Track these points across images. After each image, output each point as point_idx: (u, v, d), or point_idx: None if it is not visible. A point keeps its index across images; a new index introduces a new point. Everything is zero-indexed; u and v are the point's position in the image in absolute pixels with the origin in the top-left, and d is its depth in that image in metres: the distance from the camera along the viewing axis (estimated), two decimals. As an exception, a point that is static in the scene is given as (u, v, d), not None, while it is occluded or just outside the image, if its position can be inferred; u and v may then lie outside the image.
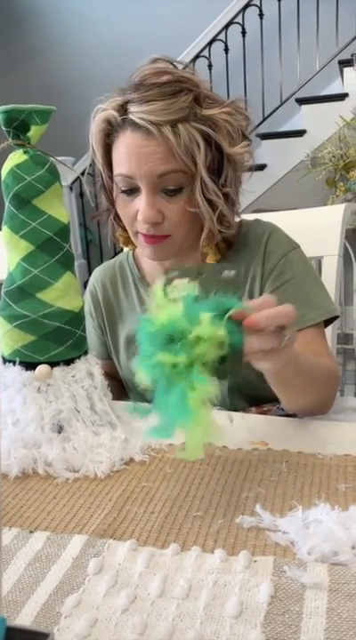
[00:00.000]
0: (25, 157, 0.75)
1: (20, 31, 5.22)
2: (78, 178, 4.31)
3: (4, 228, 0.77)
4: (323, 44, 4.01)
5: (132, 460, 0.73)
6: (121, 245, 1.07)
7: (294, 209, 1.44)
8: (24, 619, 0.48)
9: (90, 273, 5.02)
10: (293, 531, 0.57)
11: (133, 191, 0.91)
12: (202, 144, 0.87)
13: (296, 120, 4.11)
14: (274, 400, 0.92)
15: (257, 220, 1.04)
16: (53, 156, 0.78)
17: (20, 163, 0.75)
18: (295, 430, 0.83)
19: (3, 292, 0.78)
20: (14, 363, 0.76)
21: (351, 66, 3.79)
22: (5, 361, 0.77)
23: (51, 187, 0.76)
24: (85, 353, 0.80)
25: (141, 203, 0.90)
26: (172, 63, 0.93)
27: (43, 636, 0.32)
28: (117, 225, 1.02)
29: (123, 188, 0.92)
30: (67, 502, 0.66)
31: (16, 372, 0.75)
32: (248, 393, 1.01)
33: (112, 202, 0.97)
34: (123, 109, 0.89)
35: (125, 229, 1.00)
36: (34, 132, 0.76)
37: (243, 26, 4.09)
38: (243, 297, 0.99)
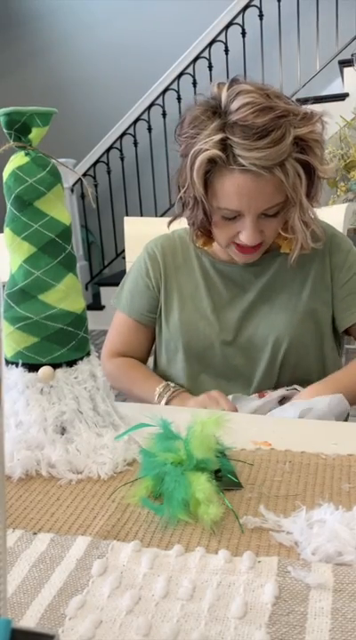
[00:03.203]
0: (26, 159, 0.75)
1: (20, 33, 5.23)
2: (79, 179, 4.33)
3: (6, 230, 0.77)
4: (323, 45, 4.02)
5: (135, 460, 0.73)
6: (199, 245, 1.12)
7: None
8: (28, 620, 0.48)
9: (91, 274, 4.99)
10: (297, 531, 0.57)
11: (234, 217, 0.99)
12: (303, 174, 0.95)
13: (297, 120, 4.11)
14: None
15: (316, 218, 1.12)
16: (55, 158, 0.78)
17: (22, 165, 0.75)
18: (299, 430, 0.83)
19: (5, 293, 0.78)
20: (17, 364, 0.76)
21: (351, 66, 3.79)
22: (8, 363, 0.77)
23: (52, 188, 0.76)
24: (88, 354, 0.80)
25: (245, 229, 0.99)
26: (266, 93, 0.93)
27: (47, 637, 0.32)
28: (199, 231, 1.07)
29: (226, 217, 0.99)
30: (70, 504, 0.66)
31: (19, 373, 0.75)
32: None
33: (210, 222, 1.03)
34: (224, 147, 0.93)
35: (204, 234, 1.08)
36: (35, 134, 0.76)
37: (243, 27, 4.10)
38: (306, 284, 1.09)
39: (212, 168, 0.96)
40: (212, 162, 0.95)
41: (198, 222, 1.03)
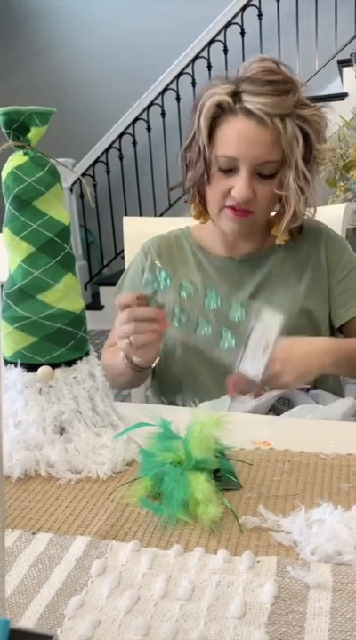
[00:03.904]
0: (25, 159, 0.75)
1: (20, 33, 5.23)
2: (78, 179, 4.32)
3: (5, 229, 0.77)
4: (322, 44, 4.02)
5: (134, 460, 0.73)
6: (193, 217, 1.14)
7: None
8: (27, 620, 0.48)
9: (91, 274, 4.99)
10: (296, 531, 0.57)
11: (230, 170, 1.01)
12: (301, 138, 1.00)
13: (296, 120, 4.10)
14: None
15: (309, 217, 1.14)
16: (54, 158, 0.78)
17: (21, 164, 0.75)
18: (298, 430, 0.83)
19: (4, 293, 0.78)
20: (16, 364, 0.76)
21: (350, 65, 3.79)
22: (7, 363, 0.77)
23: (51, 188, 0.76)
24: (87, 354, 0.80)
25: (238, 182, 1.00)
26: (277, 64, 1.02)
27: (46, 637, 0.32)
28: (196, 197, 1.10)
29: (223, 167, 1.01)
30: (69, 504, 0.65)
31: (18, 373, 0.75)
32: None
33: (208, 175, 1.04)
34: (235, 96, 0.99)
35: (201, 203, 1.10)
36: (34, 133, 0.76)
37: (242, 26, 4.10)
38: (302, 280, 1.11)
39: (219, 114, 1.00)
40: (220, 107, 1.00)
41: (197, 178, 1.05)
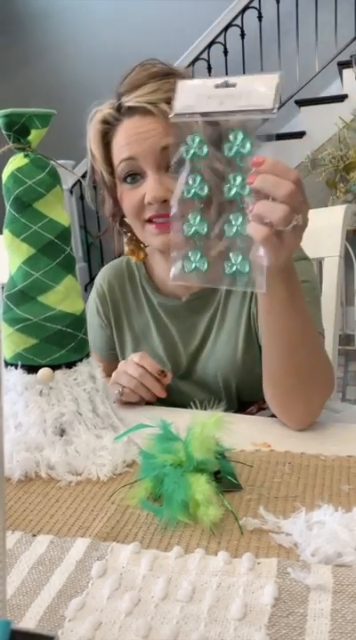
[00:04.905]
0: (25, 161, 0.76)
1: (20, 34, 5.23)
2: (79, 181, 4.32)
3: (5, 231, 0.77)
4: (322, 46, 4.01)
5: (134, 462, 0.73)
6: (128, 256, 1.08)
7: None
8: (28, 622, 0.48)
9: (91, 276, 4.96)
10: (296, 532, 0.57)
11: (136, 178, 0.91)
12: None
13: (296, 122, 4.11)
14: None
15: None
16: (54, 160, 0.78)
17: (21, 166, 0.75)
18: (298, 432, 0.83)
19: (4, 295, 0.78)
20: (16, 366, 0.76)
21: (350, 67, 3.79)
22: (7, 364, 0.77)
23: (51, 190, 0.76)
24: (87, 356, 0.80)
25: (147, 184, 0.90)
26: (162, 63, 0.93)
27: (47, 639, 0.32)
28: (123, 234, 1.04)
29: (127, 173, 0.91)
30: (70, 505, 0.65)
31: (18, 375, 0.75)
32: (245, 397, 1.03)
33: (117, 202, 0.97)
34: (118, 108, 0.91)
35: (131, 238, 1.02)
36: (34, 135, 0.76)
37: (242, 28, 4.10)
38: (243, 310, 1.01)
39: (107, 131, 0.93)
40: (105, 123, 0.93)
41: (111, 207, 0.99)
